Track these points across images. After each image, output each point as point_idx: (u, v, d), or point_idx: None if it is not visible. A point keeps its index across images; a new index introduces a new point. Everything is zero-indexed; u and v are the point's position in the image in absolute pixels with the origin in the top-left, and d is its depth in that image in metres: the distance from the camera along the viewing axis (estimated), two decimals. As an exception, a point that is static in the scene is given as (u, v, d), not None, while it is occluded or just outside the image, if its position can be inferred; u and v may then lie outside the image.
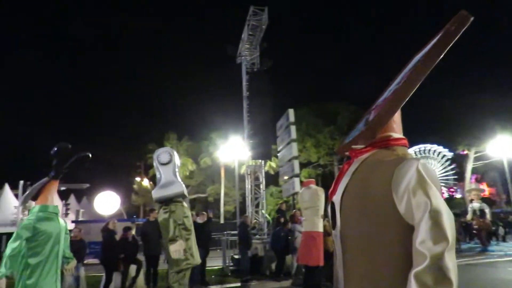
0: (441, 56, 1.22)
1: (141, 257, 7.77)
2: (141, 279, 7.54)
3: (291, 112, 12.05)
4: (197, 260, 4.76)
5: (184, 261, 4.51)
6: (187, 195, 5.02)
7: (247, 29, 14.29)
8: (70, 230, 10.80)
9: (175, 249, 4.36)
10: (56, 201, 3.88)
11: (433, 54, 1.22)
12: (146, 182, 34.22)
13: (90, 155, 4.07)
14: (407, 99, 1.27)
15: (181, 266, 4.50)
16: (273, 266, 9.22)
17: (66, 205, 22.22)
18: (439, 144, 31.99)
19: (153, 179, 33.31)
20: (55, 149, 3.79)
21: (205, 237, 8.35)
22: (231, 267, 10.31)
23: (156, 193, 4.76)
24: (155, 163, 4.89)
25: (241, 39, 14.79)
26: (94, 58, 68.67)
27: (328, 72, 56.56)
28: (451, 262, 1.05)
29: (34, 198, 3.76)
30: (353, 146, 1.43)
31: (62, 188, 31.36)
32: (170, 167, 4.83)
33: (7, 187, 20.51)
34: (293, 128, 11.99)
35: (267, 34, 14.52)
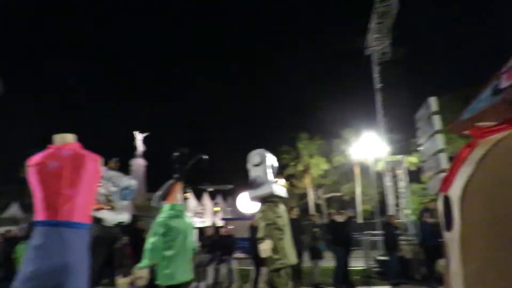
0: None
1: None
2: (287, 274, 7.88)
3: (432, 100, 10.80)
4: (291, 260, 4.75)
5: (278, 261, 4.54)
6: (282, 195, 5.00)
7: (375, 17, 13.53)
8: (218, 227, 12.05)
9: (263, 248, 4.43)
10: (181, 200, 4.30)
11: None
12: (282, 182, 35.56)
13: (207, 157, 4.47)
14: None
15: (275, 265, 4.55)
16: (424, 269, 8.45)
17: (216, 204, 24.76)
18: None
19: (288, 179, 34.44)
20: (176, 154, 4.25)
21: (345, 237, 8.21)
22: (375, 269, 9.87)
23: (249, 194, 4.97)
24: (248, 165, 5.06)
25: (368, 28, 14.09)
26: (221, 60, 74.26)
27: (476, 54, 49.12)
28: None
29: (164, 198, 4.25)
30: (478, 124, 1.08)
31: (210, 189, 35.21)
32: (262, 168, 4.94)
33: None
34: (436, 118, 10.74)
35: (398, 20, 13.48)
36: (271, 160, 5.13)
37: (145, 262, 3.75)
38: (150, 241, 3.83)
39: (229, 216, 25.60)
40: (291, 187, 34.35)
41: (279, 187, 4.97)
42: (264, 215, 4.66)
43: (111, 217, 5.19)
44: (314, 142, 32.09)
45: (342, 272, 7.95)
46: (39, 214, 2.61)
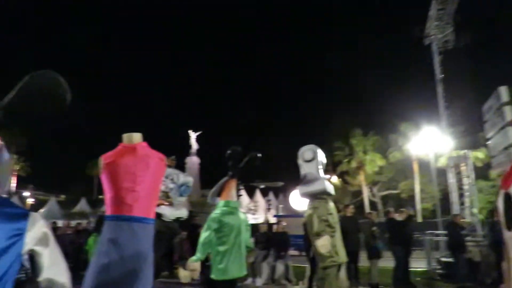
0: None
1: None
2: (343, 273, 7.67)
3: (502, 90, 9.88)
4: (342, 258, 4.64)
5: (329, 258, 4.45)
6: (331, 192, 4.89)
7: (435, 4, 12.69)
8: (271, 224, 12.07)
9: (322, 244, 4.33)
10: (235, 197, 4.33)
11: None
12: (334, 179, 34.88)
13: (260, 155, 4.41)
14: None
15: (326, 263, 4.46)
16: (495, 273, 7.79)
17: (268, 201, 24.88)
18: None
19: (342, 176, 33.64)
20: (229, 152, 4.26)
21: (406, 236, 7.81)
22: (438, 271, 9.30)
23: (300, 190, 4.89)
24: (299, 161, 4.96)
25: (428, 16, 13.25)
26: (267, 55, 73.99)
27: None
28: None
29: (218, 194, 4.30)
30: None
31: (261, 186, 35.44)
32: (314, 164, 4.83)
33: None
34: (507, 109, 9.84)
35: (461, 5, 12.52)
36: (321, 156, 5.03)
37: (197, 255, 3.85)
38: (203, 235, 3.92)
39: (281, 213, 25.60)
40: (344, 185, 33.54)
41: (329, 184, 4.89)
42: (317, 211, 4.59)
43: (170, 213, 5.39)
44: (368, 137, 30.99)
45: (402, 273, 7.58)
46: (110, 209, 2.74)
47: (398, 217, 8.04)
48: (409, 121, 26.78)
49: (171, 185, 5.60)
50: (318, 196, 4.73)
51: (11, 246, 1.28)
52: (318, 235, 4.44)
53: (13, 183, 41.46)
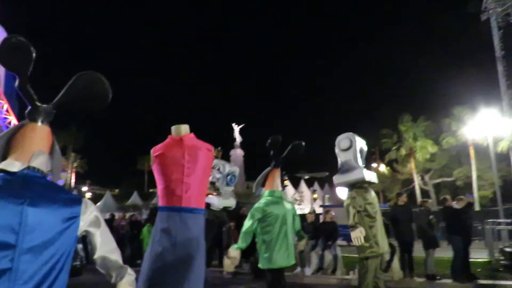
0: None
1: (394, 242, 7.60)
2: (396, 263, 7.38)
3: None
4: (383, 249, 4.48)
5: (368, 249, 4.36)
6: (373, 180, 4.72)
7: (492, -25, 11.67)
8: (318, 214, 11.86)
9: (355, 236, 4.26)
10: (280, 187, 4.30)
11: None
12: (382, 168, 33.71)
13: (303, 143, 4.34)
14: None
15: (365, 253, 4.37)
16: None
17: (313, 191, 24.63)
18: None
19: (391, 164, 32.43)
20: (269, 141, 4.19)
21: (465, 225, 7.31)
22: (502, 262, 8.65)
23: (336, 179, 4.80)
24: (336, 149, 4.86)
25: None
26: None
27: None
28: None
29: (263, 184, 4.30)
30: None
31: (306, 177, 35.19)
32: (351, 153, 4.73)
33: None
34: None
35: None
36: (360, 144, 4.86)
37: (238, 244, 3.87)
38: (245, 224, 3.94)
39: (327, 203, 25.24)
40: (393, 173, 32.30)
41: (370, 173, 4.74)
42: (354, 201, 4.49)
43: (218, 202, 5.46)
44: (418, 123, 29.45)
45: (461, 264, 7.12)
46: (162, 201, 2.80)
47: (456, 205, 7.55)
48: (464, 104, 25.03)
49: (218, 175, 5.67)
50: (356, 186, 4.62)
51: (67, 228, 1.38)
52: (353, 227, 4.37)
53: (73, 179, 44.49)
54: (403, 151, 29.58)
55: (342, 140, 4.84)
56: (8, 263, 1.24)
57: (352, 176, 4.64)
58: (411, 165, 29.59)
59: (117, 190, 50.61)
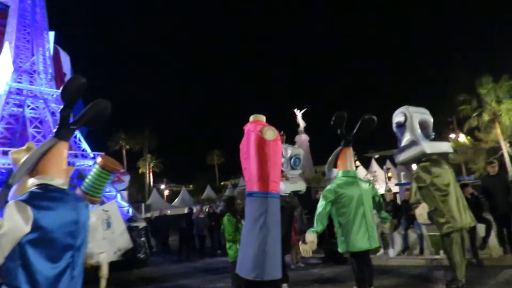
0: None
1: (488, 216, 6.83)
2: (493, 239, 6.63)
3: None
4: (463, 222, 4.21)
5: (445, 225, 4.17)
6: (442, 151, 4.48)
7: None
8: (396, 193, 11.13)
9: (419, 213, 4.12)
10: (353, 166, 4.15)
11: None
12: (462, 138, 30.90)
13: (375, 118, 4.08)
14: None
15: (443, 230, 4.20)
16: None
17: (387, 169, 23.48)
18: None
19: (471, 133, 29.59)
20: (333, 118, 3.98)
21: None
22: None
23: (397, 158, 4.66)
24: (393, 127, 4.67)
25: None
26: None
27: None
28: None
29: (335, 165, 4.15)
30: None
31: (376, 156, 33.59)
32: (408, 127, 4.50)
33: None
34: None
35: None
36: (420, 115, 4.59)
37: (314, 227, 3.76)
38: (318, 207, 3.84)
39: (403, 181, 23.88)
40: (475, 142, 29.43)
41: (436, 144, 4.50)
42: (416, 177, 4.34)
43: (285, 187, 5.32)
44: (501, 83, 26.27)
45: None
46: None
47: None
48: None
49: (282, 159, 5.53)
50: (422, 160, 4.40)
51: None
52: (415, 203, 4.21)
53: (151, 178, 47.70)
54: (485, 117, 26.68)
55: (396, 116, 4.63)
56: (69, 259, 1.83)
57: (410, 152, 4.43)
58: (497, 131, 26.62)
59: (191, 186, 53.27)
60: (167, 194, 48.42)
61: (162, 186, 49.29)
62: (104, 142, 43.02)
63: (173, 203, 38.56)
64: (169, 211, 23.55)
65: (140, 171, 47.15)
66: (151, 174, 47.95)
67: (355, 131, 4.13)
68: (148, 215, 19.64)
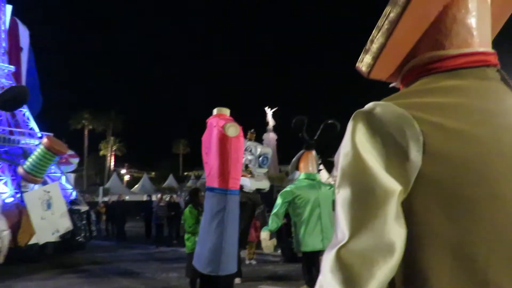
0: None
1: None
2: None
3: None
4: None
5: None
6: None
7: None
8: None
9: None
10: (315, 169, 4.28)
11: None
12: None
13: (337, 124, 4.23)
14: None
15: None
16: None
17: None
18: None
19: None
20: (293, 122, 4.16)
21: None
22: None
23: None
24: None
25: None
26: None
27: None
28: None
29: (297, 168, 4.30)
30: None
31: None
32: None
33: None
34: None
35: None
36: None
37: (268, 225, 3.99)
38: (274, 206, 4.04)
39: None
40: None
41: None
42: None
43: (251, 184, 5.41)
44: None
45: None
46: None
47: None
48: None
49: (250, 157, 5.61)
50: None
51: None
52: None
53: (112, 161, 46.40)
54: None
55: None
56: None
57: None
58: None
59: (153, 173, 52.27)
60: (128, 179, 47.23)
61: (123, 171, 48.02)
62: (67, 120, 41.39)
63: (132, 189, 37.69)
64: (127, 197, 23.01)
65: (101, 153, 45.80)
66: (112, 158, 46.64)
67: (316, 136, 4.27)
68: (106, 199, 19.15)
